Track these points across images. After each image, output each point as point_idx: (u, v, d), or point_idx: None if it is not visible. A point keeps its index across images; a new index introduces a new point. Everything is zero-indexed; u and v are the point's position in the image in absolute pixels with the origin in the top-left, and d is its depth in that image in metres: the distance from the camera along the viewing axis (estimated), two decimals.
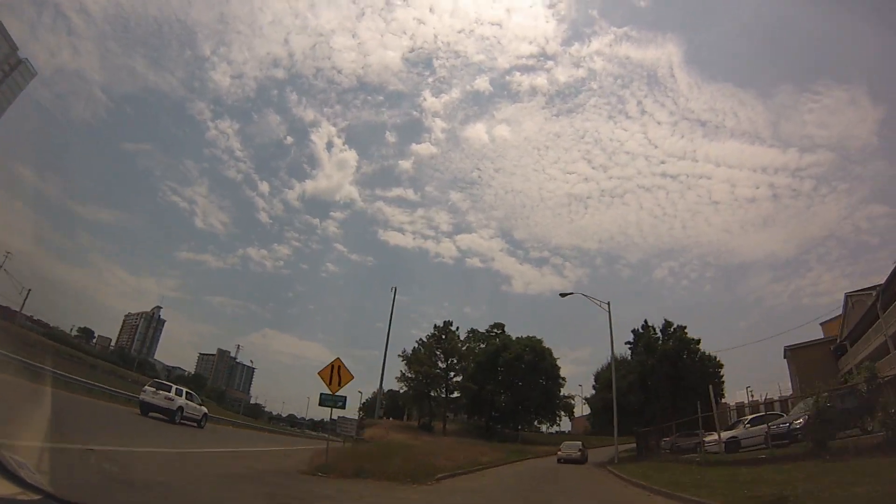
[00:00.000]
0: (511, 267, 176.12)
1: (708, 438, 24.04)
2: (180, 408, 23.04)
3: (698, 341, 34.90)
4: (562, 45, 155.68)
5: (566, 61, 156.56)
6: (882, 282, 30.90)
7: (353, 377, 16.59)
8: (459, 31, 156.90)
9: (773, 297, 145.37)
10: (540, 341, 61.25)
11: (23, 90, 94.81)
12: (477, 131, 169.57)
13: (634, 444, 34.58)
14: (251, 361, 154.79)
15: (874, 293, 31.96)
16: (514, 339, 63.72)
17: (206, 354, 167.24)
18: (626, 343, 39.20)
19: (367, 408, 75.29)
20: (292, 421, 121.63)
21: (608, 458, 35.81)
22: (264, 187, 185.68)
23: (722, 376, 36.20)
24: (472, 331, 67.25)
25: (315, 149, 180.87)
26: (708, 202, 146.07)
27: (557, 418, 64.11)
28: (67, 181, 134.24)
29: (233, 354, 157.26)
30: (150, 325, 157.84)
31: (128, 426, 17.30)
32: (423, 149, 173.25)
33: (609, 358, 38.77)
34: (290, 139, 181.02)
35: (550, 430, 74.94)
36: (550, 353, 61.85)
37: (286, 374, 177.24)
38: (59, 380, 22.64)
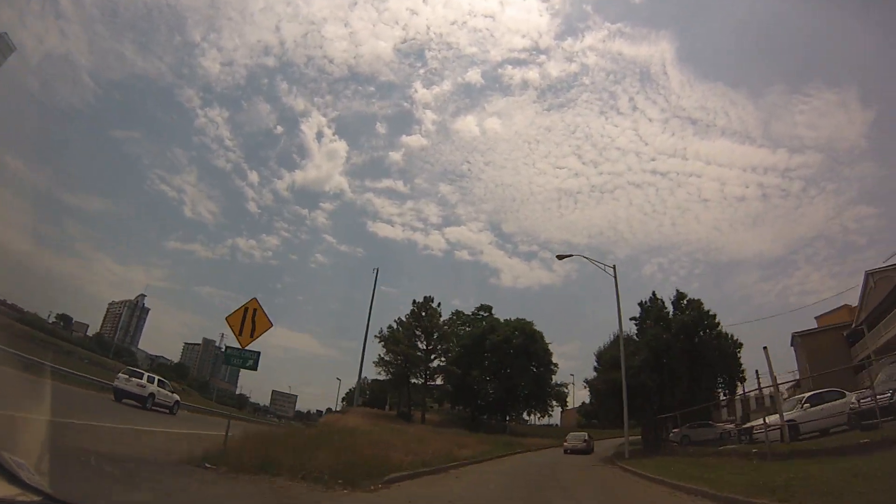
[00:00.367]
0: (500, 260, 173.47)
1: (750, 424, 19.27)
2: (152, 394, 23.93)
3: (715, 316, 29.88)
4: (555, 40, 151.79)
5: (559, 56, 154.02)
6: None
7: (271, 325, 12.46)
8: (452, 23, 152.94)
9: (760, 295, 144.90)
10: (530, 324, 55.97)
11: (0, 66, 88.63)
12: (468, 124, 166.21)
13: (633, 437, 30.94)
14: (222, 349, 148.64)
15: None
16: (502, 321, 58.55)
17: (192, 344, 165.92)
18: (631, 319, 34.16)
19: (352, 397, 70.60)
20: (268, 409, 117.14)
21: (612, 451, 30.82)
22: (254, 177, 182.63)
23: (740, 358, 31.25)
24: (457, 313, 62.02)
25: (305, 139, 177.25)
26: (697, 200, 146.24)
27: (549, 408, 59.12)
28: (53, 168, 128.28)
29: (217, 343, 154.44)
30: (133, 313, 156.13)
31: (99, 410, 16.54)
32: (414, 140, 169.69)
33: (613, 335, 33.69)
34: (280, 128, 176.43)
35: (541, 423, 70.19)
36: (542, 337, 56.60)
37: (274, 365, 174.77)
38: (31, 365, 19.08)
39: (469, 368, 53.52)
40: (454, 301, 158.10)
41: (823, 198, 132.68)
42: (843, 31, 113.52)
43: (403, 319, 50.00)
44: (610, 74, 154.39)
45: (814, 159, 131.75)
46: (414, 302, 50.30)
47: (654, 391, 26.75)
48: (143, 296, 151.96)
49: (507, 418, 60.08)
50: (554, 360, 57.28)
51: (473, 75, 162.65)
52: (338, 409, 61.85)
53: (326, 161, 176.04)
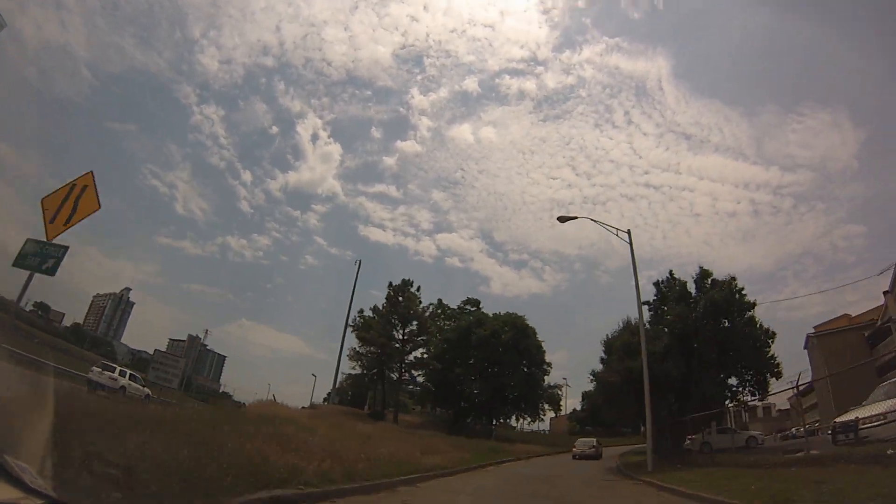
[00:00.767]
0: (490, 268, 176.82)
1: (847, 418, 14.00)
2: (123, 387, 25.22)
3: (746, 296, 24.49)
4: (553, 51, 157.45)
5: (556, 67, 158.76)
6: None
7: (98, 207, 9.09)
8: (452, 31, 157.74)
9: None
10: (522, 318, 50.28)
11: None
12: (463, 132, 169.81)
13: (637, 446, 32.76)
14: (207, 346, 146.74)
15: None
16: (490, 315, 52.88)
17: (177, 340, 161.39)
18: (644, 303, 28.87)
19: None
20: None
21: (619, 461, 25.33)
22: (247, 176, 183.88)
23: (773, 353, 25.90)
24: (441, 306, 56.23)
25: (300, 140, 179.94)
26: (689, 214, 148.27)
27: (541, 412, 53.18)
28: (45, 157, 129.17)
29: (201, 339, 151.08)
30: (118, 306, 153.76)
31: None
32: (408, 146, 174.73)
33: (622, 323, 28.33)
34: (275, 129, 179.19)
35: (528, 429, 64.38)
36: (534, 333, 50.93)
37: (261, 365, 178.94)
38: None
39: (452, 366, 47.78)
40: None
41: (813, 216, 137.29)
42: (837, 53, 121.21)
43: (380, 307, 44.13)
44: (606, 88, 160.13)
45: (805, 177, 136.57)
46: (390, 285, 44.45)
47: (678, 381, 21.21)
48: (128, 289, 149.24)
49: (494, 422, 54.40)
50: (547, 359, 51.90)
51: (471, 84, 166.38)
52: (305, 406, 55.71)
53: (320, 163, 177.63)
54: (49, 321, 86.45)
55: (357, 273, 48.98)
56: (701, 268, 26.14)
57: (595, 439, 35.61)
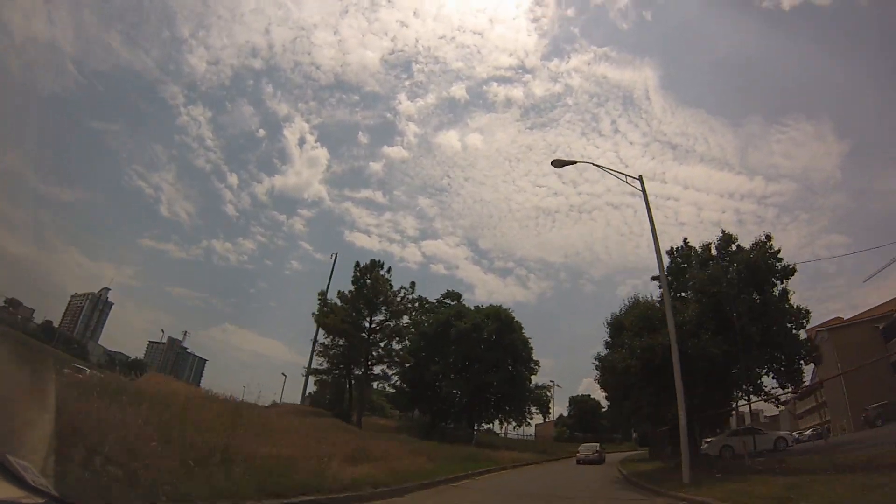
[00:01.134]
0: (475, 276, 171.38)
1: None
2: None
3: (783, 259, 19.84)
4: (541, 60, 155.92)
5: (544, 75, 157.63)
6: None
7: None
8: (441, 37, 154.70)
9: None
10: (507, 311, 45.47)
11: None
12: (449, 138, 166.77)
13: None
14: (187, 348, 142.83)
15: None
16: (472, 309, 47.91)
17: (156, 342, 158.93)
18: (653, 279, 24.39)
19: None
20: None
21: (627, 470, 20.54)
22: (233, 179, 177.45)
23: (807, 335, 21.40)
24: (420, 299, 50.99)
25: (287, 144, 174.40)
26: (675, 223, 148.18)
27: (527, 415, 48.03)
28: (29, 154, 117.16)
29: (181, 341, 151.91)
30: (96, 307, 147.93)
31: None
32: (395, 152, 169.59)
33: (628, 302, 23.65)
34: (262, 132, 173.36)
35: (512, 435, 59.20)
36: (520, 328, 46.14)
37: (244, 371, 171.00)
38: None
39: (429, 363, 42.65)
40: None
41: (796, 226, 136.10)
42: (821, 66, 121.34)
43: (347, 294, 38.61)
44: (593, 97, 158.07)
45: (788, 188, 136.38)
46: (357, 265, 39.06)
47: (719, 363, 16.36)
48: (106, 289, 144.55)
49: (476, 427, 49.34)
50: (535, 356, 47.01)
51: (458, 90, 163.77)
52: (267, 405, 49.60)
53: (307, 168, 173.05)
54: (18, 317, 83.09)
55: (333, 267, 43.80)
56: (723, 231, 21.50)
57: (598, 444, 37.04)
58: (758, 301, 19.26)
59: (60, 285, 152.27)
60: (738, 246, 21.26)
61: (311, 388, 48.49)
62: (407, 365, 43.98)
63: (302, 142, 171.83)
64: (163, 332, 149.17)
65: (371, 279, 36.99)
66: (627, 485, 15.91)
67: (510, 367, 43.70)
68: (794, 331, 20.12)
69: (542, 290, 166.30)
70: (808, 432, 41.11)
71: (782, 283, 19.60)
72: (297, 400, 49.53)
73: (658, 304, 20.38)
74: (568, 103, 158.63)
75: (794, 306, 20.26)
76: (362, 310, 37.15)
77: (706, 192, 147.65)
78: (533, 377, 47.17)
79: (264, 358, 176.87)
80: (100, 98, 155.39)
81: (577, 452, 34.95)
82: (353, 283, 37.96)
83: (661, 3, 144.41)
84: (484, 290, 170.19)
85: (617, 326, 21.54)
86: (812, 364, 21.05)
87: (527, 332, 45.80)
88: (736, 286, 17.69)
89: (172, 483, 5.93)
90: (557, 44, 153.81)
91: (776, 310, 19.26)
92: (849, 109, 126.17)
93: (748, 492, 9.06)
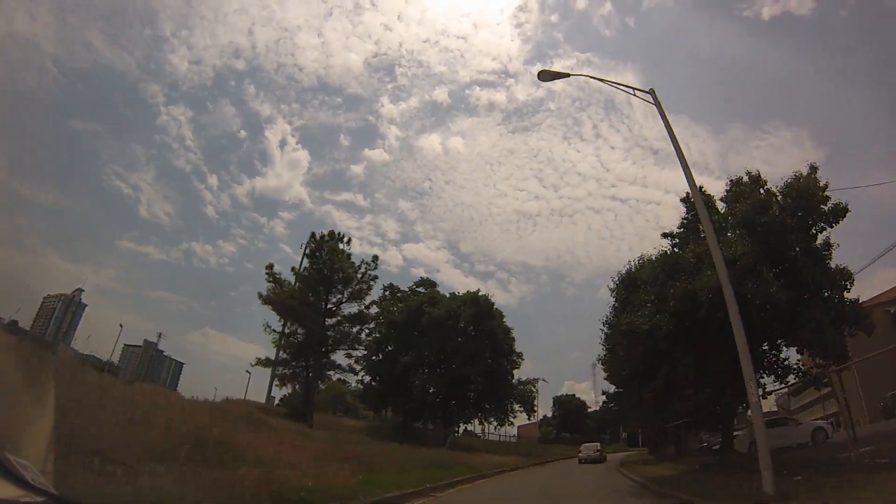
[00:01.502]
0: (456, 279, 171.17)
1: None
2: None
3: (829, 199, 15.31)
4: (524, 64, 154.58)
5: (527, 80, 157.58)
6: None
7: None
8: (424, 41, 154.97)
9: None
10: (485, 296, 40.68)
11: None
12: (431, 142, 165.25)
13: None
14: (164, 351, 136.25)
15: None
16: (447, 296, 43.02)
17: (132, 346, 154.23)
18: (663, 235, 20.19)
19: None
20: None
21: (643, 474, 15.96)
22: (213, 180, 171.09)
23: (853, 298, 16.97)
24: (390, 286, 45.95)
25: (268, 145, 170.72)
26: (656, 227, 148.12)
27: (510, 414, 43.01)
28: (6, 154, 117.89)
29: (156, 342, 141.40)
30: (68, 308, 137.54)
31: None
32: (376, 155, 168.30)
33: (637, 261, 19.22)
34: (243, 133, 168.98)
35: (496, 434, 54.35)
36: (501, 316, 41.45)
37: (224, 374, 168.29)
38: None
39: (399, 356, 37.62)
40: None
41: None
42: (800, 74, 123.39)
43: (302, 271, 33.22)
44: (576, 101, 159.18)
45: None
46: (312, 236, 33.54)
47: (783, 311, 11.72)
48: (80, 290, 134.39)
49: (457, 428, 44.56)
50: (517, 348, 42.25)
51: (441, 94, 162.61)
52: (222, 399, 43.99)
53: (288, 170, 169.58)
54: None
55: (302, 258, 38.52)
56: (748, 172, 16.95)
57: (598, 444, 38.50)
58: (815, 237, 14.87)
59: (36, 289, 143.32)
60: (767, 189, 16.71)
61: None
62: (374, 358, 39.11)
63: (283, 143, 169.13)
64: (155, 343, 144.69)
65: (327, 252, 31.68)
66: (652, 497, 11.29)
67: (489, 360, 38.87)
68: (845, 290, 15.77)
69: (523, 294, 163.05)
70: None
71: (831, 227, 15.11)
72: (258, 395, 44.56)
73: (677, 257, 15.80)
74: (550, 108, 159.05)
75: (836, 265, 15.83)
76: (318, 288, 31.87)
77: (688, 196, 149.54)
78: (516, 371, 42.48)
79: (244, 362, 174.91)
80: (79, 97, 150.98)
81: (579, 452, 36.35)
82: (308, 256, 32.65)
83: (645, 11, 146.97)
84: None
85: (629, 285, 16.80)
86: (865, 332, 16.61)
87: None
88: (779, 222, 13.06)
89: None
90: (541, 49, 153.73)
91: (820, 262, 14.78)
92: (826, 117, 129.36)
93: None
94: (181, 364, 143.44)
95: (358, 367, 39.52)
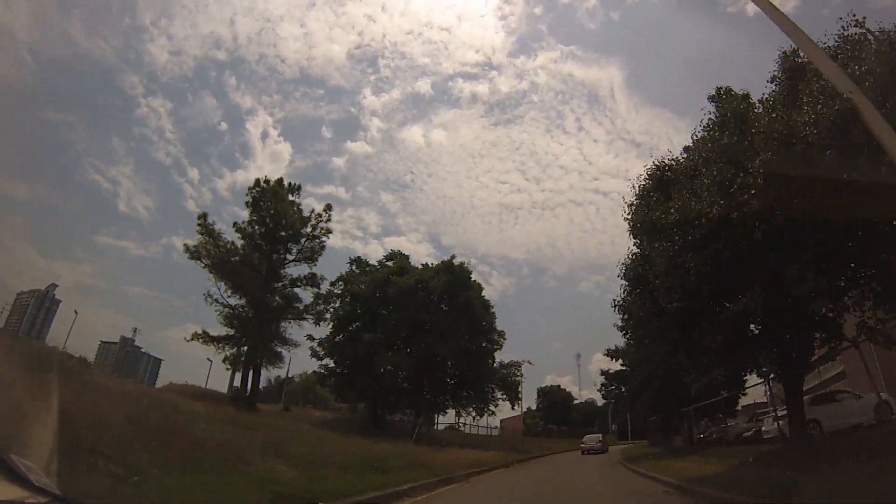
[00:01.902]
0: None
1: None
2: None
3: None
4: (508, 57, 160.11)
5: (510, 72, 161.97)
6: None
7: None
8: (408, 33, 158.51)
9: None
10: (462, 264, 35.45)
11: None
12: (413, 134, 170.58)
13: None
14: (141, 348, 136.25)
15: None
16: (419, 267, 37.78)
17: (109, 342, 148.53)
18: (683, 148, 15.39)
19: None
20: None
21: (675, 474, 11.06)
22: (194, 174, 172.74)
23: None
24: (357, 258, 40.48)
25: (250, 138, 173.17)
26: None
27: (491, 402, 37.61)
28: None
29: (132, 338, 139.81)
30: (42, 304, 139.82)
31: None
32: (358, 147, 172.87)
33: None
34: (224, 125, 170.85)
35: (476, 425, 49.28)
36: (480, 288, 36.43)
37: (205, 371, 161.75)
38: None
39: (362, 332, 32.36)
40: None
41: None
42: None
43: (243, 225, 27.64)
44: (559, 94, 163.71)
45: None
46: (256, 182, 27.93)
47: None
48: (53, 285, 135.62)
49: (436, 418, 39.66)
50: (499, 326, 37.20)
51: (423, 86, 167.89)
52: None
53: (269, 163, 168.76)
54: None
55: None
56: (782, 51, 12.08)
57: (600, 435, 42.66)
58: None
59: (10, 285, 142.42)
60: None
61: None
62: (337, 339, 33.88)
63: (265, 136, 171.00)
64: (132, 339, 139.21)
65: (271, 204, 26.16)
66: None
67: (467, 336, 33.71)
68: None
69: (505, 287, 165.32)
70: None
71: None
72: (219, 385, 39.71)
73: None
74: (533, 100, 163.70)
75: None
76: (261, 245, 26.41)
77: None
78: (497, 352, 37.37)
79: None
80: (56, 88, 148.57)
81: (582, 444, 38.65)
82: (248, 206, 27.13)
83: (629, 5, 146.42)
84: None
85: (659, 183, 11.85)
86: None
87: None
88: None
89: None
90: (525, 41, 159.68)
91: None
92: None
93: None
94: (159, 360, 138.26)
95: (319, 350, 34.46)
